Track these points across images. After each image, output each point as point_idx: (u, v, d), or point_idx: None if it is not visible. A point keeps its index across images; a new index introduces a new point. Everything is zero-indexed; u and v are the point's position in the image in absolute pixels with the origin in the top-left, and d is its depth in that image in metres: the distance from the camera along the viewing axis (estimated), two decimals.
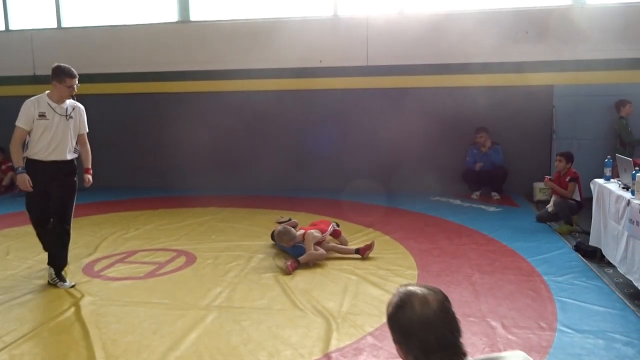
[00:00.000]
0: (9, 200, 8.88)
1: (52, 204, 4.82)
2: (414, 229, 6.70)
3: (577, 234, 6.38)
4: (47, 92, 4.77)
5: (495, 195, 8.50)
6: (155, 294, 4.65)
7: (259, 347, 3.60)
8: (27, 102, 4.70)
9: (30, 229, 5.07)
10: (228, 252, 5.78)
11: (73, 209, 4.95)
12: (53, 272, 4.87)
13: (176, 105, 9.76)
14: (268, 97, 9.36)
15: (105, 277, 5.10)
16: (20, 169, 4.68)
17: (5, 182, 9.81)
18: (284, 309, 4.27)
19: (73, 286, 4.80)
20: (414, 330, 1.66)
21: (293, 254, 5.49)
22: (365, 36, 9.07)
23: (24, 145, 4.74)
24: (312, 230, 5.58)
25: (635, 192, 4.42)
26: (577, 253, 5.58)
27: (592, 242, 5.43)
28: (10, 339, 3.76)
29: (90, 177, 5.10)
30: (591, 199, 5.56)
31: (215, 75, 9.57)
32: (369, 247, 5.56)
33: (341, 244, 5.91)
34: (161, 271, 5.26)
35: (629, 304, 4.21)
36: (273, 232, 6.10)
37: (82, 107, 5.01)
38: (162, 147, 9.86)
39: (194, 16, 9.77)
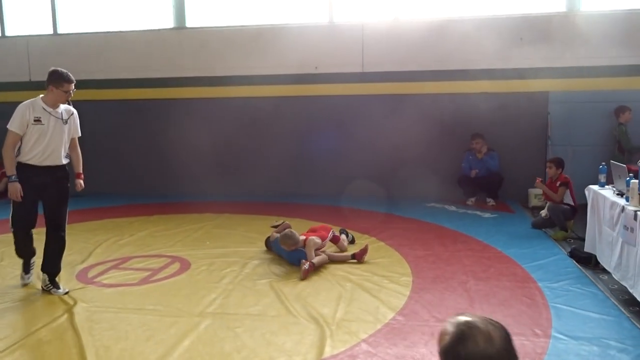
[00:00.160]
0: (4, 206, 8.81)
1: (45, 210, 4.77)
2: (409, 235, 6.69)
3: (572, 240, 6.39)
4: (41, 95, 4.70)
5: (490, 202, 8.51)
6: (149, 300, 4.62)
7: (253, 354, 3.59)
8: (22, 105, 4.61)
9: None
10: (223, 259, 5.76)
11: (67, 215, 4.91)
12: (47, 279, 4.84)
13: (171, 112, 9.75)
14: (264, 103, 9.36)
15: (99, 284, 5.08)
16: (13, 177, 4.57)
17: (1, 187, 9.75)
18: (278, 315, 4.26)
19: (67, 293, 4.77)
20: None
21: (289, 260, 5.50)
22: (360, 42, 9.09)
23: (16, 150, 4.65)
24: (313, 237, 5.64)
25: (630, 199, 4.42)
26: (572, 259, 5.58)
27: (587, 248, 5.43)
28: (3, 346, 3.74)
29: (82, 181, 5.06)
30: (587, 205, 5.57)
31: (210, 82, 9.58)
32: (364, 251, 5.60)
33: (340, 249, 5.95)
34: (155, 277, 5.24)
35: (623, 311, 4.21)
36: (268, 238, 6.10)
37: (75, 111, 4.96)
38: (158, 153, 9.83)
39: (190, 22, 9.78)
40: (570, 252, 5.75)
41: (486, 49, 8.56)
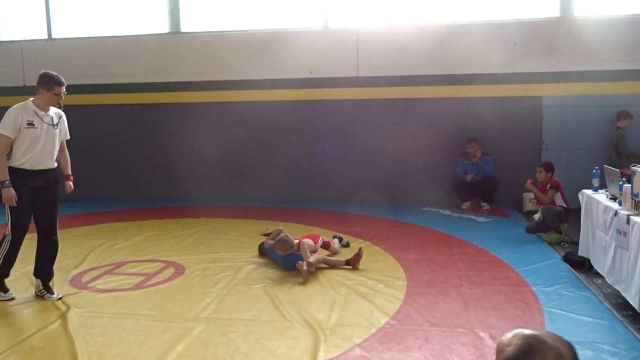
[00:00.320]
0: None
1: (37, 214, 4.75)
2: (403, 239, 6.70)
3: (566, 244, 6.41)
4: (32, 99, 4.65)
5: (485, 206, 8.52)
6: (142, 305, 4.61)
7: (247, 359, 3.58)
8: (13, 109, 4.56)
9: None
10: (217, 263, 5.75)
11: (58, 219, 4.88)
12: (40, 284, 4.81)
13: (166, 116, 9.74)
14: (262, 108, 9.37)
15: (92, 289, 5.06)
16: (7, 182, 4.51)
17: None
18: (272, 320, 4.25)
19: (60, 298, 4.75)
20: None
21: (285, 265, 5.49)
22: (355, 48, 9.12)
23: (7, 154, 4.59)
24: (307, 240, 5.68)
25: (622, 203, 4.45)
26: (566, 263, 5.59)
27: (581, 252, 5.45)
28: None
29: (71, 183, 5.03)
30: (580, 209, 5.59)
31: (203, 87, 9.60)
32: (358, 257, 5.55)
33: (332, 254, 5.93)
34: (149, 282, 5.22)
35: (617, 315, 4.22)
36: (261, 244, 6.09)
37: (64, 114, 4.91)
38: (155, 157, 9.83)
39: (185, 27, 9.79)
40: (564, 256, 5.77)
41: (480, 54, 8.60)
